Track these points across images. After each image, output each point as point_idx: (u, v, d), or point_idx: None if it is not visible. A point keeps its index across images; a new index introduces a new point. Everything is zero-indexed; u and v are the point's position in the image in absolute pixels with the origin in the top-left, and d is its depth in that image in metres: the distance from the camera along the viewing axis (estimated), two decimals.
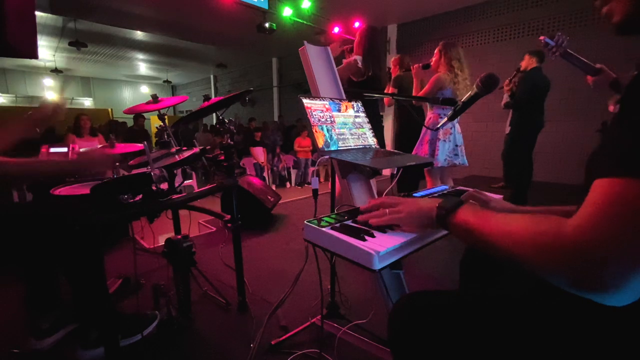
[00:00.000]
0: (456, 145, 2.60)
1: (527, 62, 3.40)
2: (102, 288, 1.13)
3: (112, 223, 1.12)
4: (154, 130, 8.69)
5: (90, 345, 1.30)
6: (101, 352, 1.29)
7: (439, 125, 1.48)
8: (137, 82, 13.87)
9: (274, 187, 5.97)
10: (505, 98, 3.87)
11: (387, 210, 0.70)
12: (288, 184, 6.21)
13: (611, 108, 2.19)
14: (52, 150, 2.58)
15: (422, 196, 1.03)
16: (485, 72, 1.07)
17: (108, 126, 7.24)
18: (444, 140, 2.57)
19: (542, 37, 1.82)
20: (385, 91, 2.96)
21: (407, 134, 3.17)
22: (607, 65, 1.74)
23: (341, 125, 1.27)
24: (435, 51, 2.59)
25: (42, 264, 1.35)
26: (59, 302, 1.42)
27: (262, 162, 5.96)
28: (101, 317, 1.12)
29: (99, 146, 1.97)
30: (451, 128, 2.58)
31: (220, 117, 1.61)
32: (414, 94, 2.70)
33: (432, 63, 2.60)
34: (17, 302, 1.44)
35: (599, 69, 1.73)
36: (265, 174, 5.96)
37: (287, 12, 5.14)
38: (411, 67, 2.79)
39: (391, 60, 3.35)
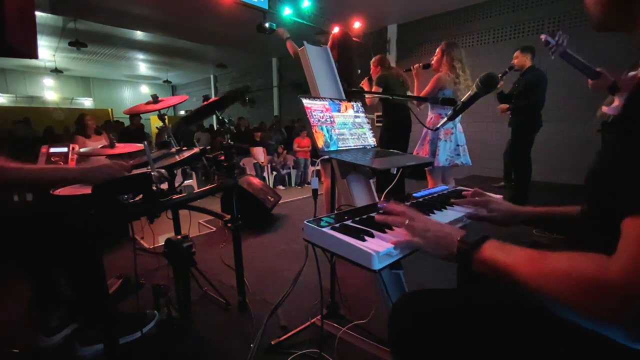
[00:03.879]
0: (457, 145, 2.59)
1: (521, 60, 3.30)
2: (102, 287, 1.13)
3: (112, 223, 1.12)
4: (154, 130, 8.70)
5: (88, 342, 1.31)
6: (99, 348, 1.30)
7: (438, 125, 1.48)
8: (137, 82, 13.87)
9: (280, 187, 5.98)
10: (504, 106, 3.75)
11: (406, 222, 0.66)
12: (284, 185, 6.20)
13: (604, 109, 2.19)
14: (52, 150, 2.58)
15: (422, 197, 1.03)
16: (484, 72, 1.07)
17: (106, 126, 7.25)
18: (445, 140, 2.57)
19: (542, 36, 1.82)
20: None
21: (393, 133, 3.17)
22: (606, 65, 1.74)
23: (341, 125, 1.27)
24: (437, 50, 2.58)
25: (43, 263, 1.36)
26: (64, 299, 1.43)
27: (262, 162, 5.95)
28: (100, 315, 1.12)
29: (99, 146, 1.97)
30: (452, 128, 2.57)
31: (220, 117, 1.61)
32: (415, 94, 2.70)
33: (433, 62, 2.59)
34: (19, 302, 1.45)
35: (598, 72, 1.74)
36: (265, 174, 5.95)
37: (287, 12, 5.15)
38: (397, 66, 2.79)
39: (371, 61, 3.27)
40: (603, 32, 0.58)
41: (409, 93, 2.99)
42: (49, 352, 1.36)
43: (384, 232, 0.69)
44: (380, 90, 2.92)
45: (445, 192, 1.10)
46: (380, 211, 0.75)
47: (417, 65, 2.64)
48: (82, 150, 2.07)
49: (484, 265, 0.56)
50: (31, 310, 1.43)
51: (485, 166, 5.50)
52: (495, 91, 3.49)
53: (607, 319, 0.41)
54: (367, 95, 2.71)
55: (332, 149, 1.18)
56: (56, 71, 9.66)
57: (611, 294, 0.39)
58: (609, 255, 0.42)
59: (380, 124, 3.37)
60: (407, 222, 0.66)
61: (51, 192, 1.31)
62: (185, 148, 1.63)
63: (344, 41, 2.54)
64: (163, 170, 1.20)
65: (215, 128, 9.22)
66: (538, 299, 0.48)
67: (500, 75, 3.50)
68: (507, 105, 3.68)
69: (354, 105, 1.38)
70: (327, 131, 1.19)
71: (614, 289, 0.39)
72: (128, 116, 7.09)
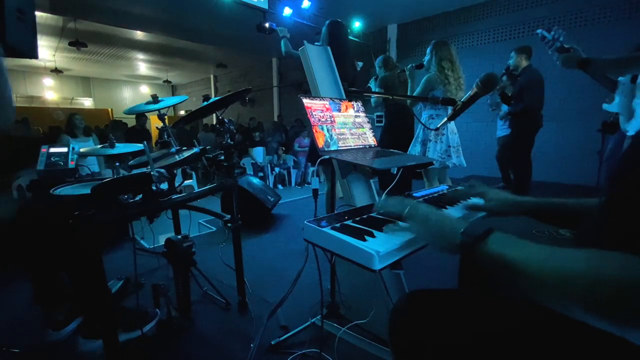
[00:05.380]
0: (449, 146, 2.53)
1: (517, 61, 3.29)
2: (103, 287, 1.13)
3: (112, 223, 1.12)
4: (154, 130, 8.69)
5: (91, 336, 1.31)
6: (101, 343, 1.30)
7: (439, 125, 1.48)
8: (137, 82, 13.86)
9: (279, 186, 5.98)
10: (502, 107, 3.72)
11: (406, 210, 0.66)
12: (284, 185, 6.20)
13: (605, 106, 2.19)
14: (52, 150, 2.58)
15: (422, 196, 1.03)
16: (484, 72, 1.07)
17: (110, 126, 7.24)
18: (435, 142, 2.53)
19: (538, 30, 1.80)
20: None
21: (393, 137, 3.10)
22: None
23: (341, 125, 1.27)
24: (428, 50, 2.56)
25: (42, 262, 1.36)
26: (68, 294, 1.44)
27: (261, 162, 5.96)
28: (101, 313, 1.12)
29: (99, 146, 1.98)
30: (443, 129, 2.53)
31: (220, 117, 1.61)
32: (409, 94, 2.67)
33: (424, 62, 2.56)
34: (26, 298, 1.45)
35: (568, 48, 1.66)
36: (265, 174, 5.95)
37: (287, 12, 5.15)
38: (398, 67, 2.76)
39: (377, 62, 3.25)
40: None
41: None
42: (58, 346, 1.37)
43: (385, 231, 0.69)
44: (382, 91, 2.90)
45: (445, 191, 1.10)
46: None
47: (409, 66, 2.59)
48: (81, 150, 2.07)
49: (490, 258, 0.53)
50: (35, 308, 1.45)
51: (485, 166, 5.50)
52: (496, 91, 3.47)
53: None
54: (368, 95, 2.68)
55: (332, 148, 1.18)
56: (56, 71, 9.65)
57: None
58: (626, 253, 0.40)
59: (381, 124, 3.36)
60: (407, 210, 0.65)
61: (51, 192, 1.31)
62: (185, 148, 1.63)
63: (330, 31, 2.35)
64: (163, 170, 1.19)
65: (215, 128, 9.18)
66: (548, 298, 0.47)
67: (500, 76, 3.49)
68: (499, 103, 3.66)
69: (355, 105, 1.38)
70: (328, 131, 1.19)
71: None
72: (129, 116, 7.09)
